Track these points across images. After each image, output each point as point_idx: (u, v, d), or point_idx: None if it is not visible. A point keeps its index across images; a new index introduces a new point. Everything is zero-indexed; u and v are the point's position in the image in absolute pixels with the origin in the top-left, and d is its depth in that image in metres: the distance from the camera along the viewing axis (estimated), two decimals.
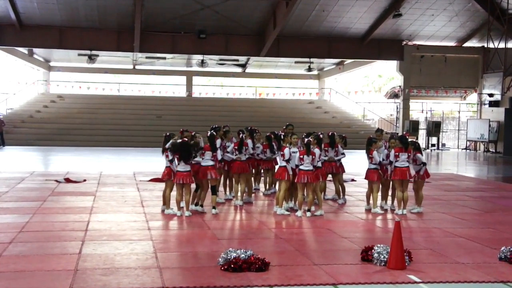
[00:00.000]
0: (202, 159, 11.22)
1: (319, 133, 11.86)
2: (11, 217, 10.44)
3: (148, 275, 6.91)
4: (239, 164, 12.35)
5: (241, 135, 12.61)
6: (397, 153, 11.47)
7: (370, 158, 11.74)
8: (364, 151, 12.18)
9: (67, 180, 15.69)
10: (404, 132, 12.54)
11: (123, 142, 30.75)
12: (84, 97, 37.69)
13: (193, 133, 11.86)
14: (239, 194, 12.50)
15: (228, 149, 12.40)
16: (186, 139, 11.05)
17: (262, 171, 14.26)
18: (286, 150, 11.22)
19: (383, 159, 11.83)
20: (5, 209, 11.28)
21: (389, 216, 11.56)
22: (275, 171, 12.80)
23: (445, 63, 34.67)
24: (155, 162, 19.12)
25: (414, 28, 32.19)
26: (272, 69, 41.13)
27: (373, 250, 7.60)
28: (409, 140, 11.94)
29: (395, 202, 11.93)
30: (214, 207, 11.37)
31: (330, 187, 13.91)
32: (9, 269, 7.08)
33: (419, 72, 34.39)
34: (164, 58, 36.04)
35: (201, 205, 11.43)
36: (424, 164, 11.88)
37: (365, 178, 12.15)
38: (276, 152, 12.96)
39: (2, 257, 7.62)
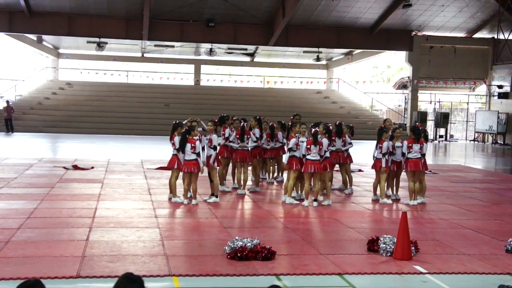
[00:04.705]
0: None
1: (328, 124, 11.83)
2: (19, 203, 10.52)
3: (155, 263, 6.95)
4: (241, 153, 12.34)
5: (242, 123, 12.53)
6: (410, 145, 11.46)
7: (380, 147, 11.74)
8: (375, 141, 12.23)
9: (75, 167, 15.75)
10: (416, 124, 12.49)
11: (131, 130, 30.78)
12: (92, 84, 37.69)
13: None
14: (241, 183, 12.52)
15: (231, 138, 12.39)
16: (188, 128, 10.95)
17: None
18: (292, 140, 11.22)
19: (389, 151, 11.80)
20: (13, 195, 11.36)
21: (396, 206, 11.55)
22: (282, 159, 12.83)
23: (454, 54, 34.44)
24: (162, 150, 19.16)
25: (424, 18, 31.94)
26: (281, 58, 40.96)
27: (379, 241, 7.61)
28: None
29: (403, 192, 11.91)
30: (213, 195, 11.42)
31: (338, 177, 13.92)
32: (17, 254, 7.15)
33: (428, 63, 34.18)
34: (173, 46, 35.97)
35: (216, 195, 11.43)
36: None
37: (372, 168, 12.13)
38: (284, 141, 13.00)
39: (11, 243, 7.68)
